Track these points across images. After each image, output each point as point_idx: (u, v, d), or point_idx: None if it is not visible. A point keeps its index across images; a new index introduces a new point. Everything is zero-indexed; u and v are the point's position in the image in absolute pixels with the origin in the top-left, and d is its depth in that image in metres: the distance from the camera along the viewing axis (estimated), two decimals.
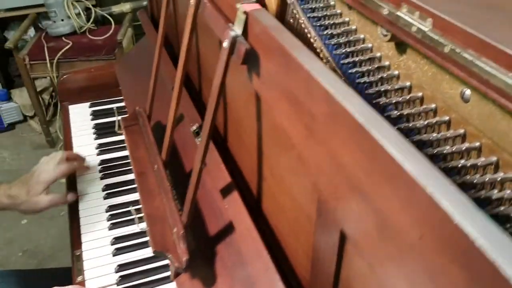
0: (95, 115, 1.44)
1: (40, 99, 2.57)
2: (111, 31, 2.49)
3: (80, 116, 1.44)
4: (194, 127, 0.96)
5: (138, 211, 0.95)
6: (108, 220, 1.08)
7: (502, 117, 0.50)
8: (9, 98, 2.76)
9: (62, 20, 2.45)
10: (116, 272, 0.96)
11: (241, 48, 0.63)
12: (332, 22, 0.82)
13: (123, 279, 0.94)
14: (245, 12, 0.63)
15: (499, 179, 0.53)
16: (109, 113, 1.43)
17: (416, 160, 0.39)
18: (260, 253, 0.69)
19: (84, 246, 1.02)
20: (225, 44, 0.64)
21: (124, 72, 1.46)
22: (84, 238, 1.04)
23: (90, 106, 1.48)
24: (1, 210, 1.08)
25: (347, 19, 0.80)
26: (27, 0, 2.55)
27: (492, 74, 0.44)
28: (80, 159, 1.18)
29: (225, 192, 0.81)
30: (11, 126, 2.78)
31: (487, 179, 0.56)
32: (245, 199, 0.84)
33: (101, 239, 1.04)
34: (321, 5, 0.86)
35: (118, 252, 1.00)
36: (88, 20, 2.50)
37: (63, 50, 2.34)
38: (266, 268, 0.67)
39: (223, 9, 0.74)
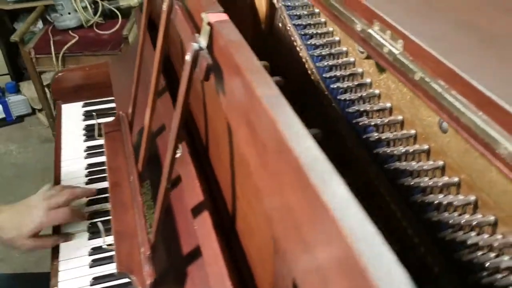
0: (87, 115, 1.40)
1: (48, 92, 2.56)
2: (118, 25, 2.46)
3: (72, 116, 1.40)
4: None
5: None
6: (88, 229, 1.04)
7: (478, 156, 0.43)
8: (17, 91, 2.76)
9: (69, 13, 2.43)
10: (91, 285, 0.93)
11: (202, 62, 0.57)
12: (316, 31, 0.76)
13: None
14: (209, 23, 0.58)
15: (475, 222, 0.47)
16: (101, 114, 1.39)
17: (356, 220, 0.33)
18: (224, 283, 0.64)
19: (61, 256, 0.99)
20: (187, 57, 0.59)
21: (118, 72, 1.42)
22: (62, 245, 1.01)
23: (83, 106, 1.45)
24: None
25: (331, 28, 0.74)
26: None
27: (461, 112, 0.38)
28: (85, 195, 1.08)
29: (196, 211, 0.76)
30: (20, 118, 2.78)
31: (464, 220, 0.50)
32: (221, 217, 0.79)
33: (79, 249, 1.00)
34: (306, 12, 0.80)
35: (94, 264, 0.96)
36: (95, 14, 2.47)
37: (68, 44, 2.32)
38: None
39: (194, 17, 0.68)
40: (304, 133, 0.39)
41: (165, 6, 0.72)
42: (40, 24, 2.69)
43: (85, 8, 2.44)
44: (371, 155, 0.65)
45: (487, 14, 0.45)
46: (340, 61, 0.67)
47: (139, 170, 0.87)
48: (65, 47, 2.30)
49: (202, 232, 0.72)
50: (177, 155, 0.89)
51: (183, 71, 0.61)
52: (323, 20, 0.75)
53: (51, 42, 2.33)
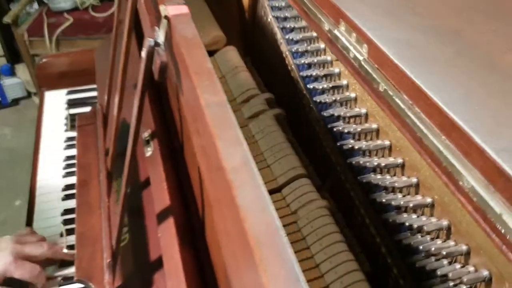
0: (71, 104, 1.35)
1: None
2: (114, 8, 2.39)
3: (55, 104, 1.35)
4: (146, 134, 0.86)
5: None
6: (64, 225, 1.00)
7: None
8: (13, 73, 2.71)
9: None
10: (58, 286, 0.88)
11: (157, 60, 0.52)
12: (294, 25, 0.70)
13: None
14: (166, 17, 0.52)
15: (444, 253, 0.42)
16: (85, 103, 1.34)
17: None
18: None
19: None
20: (143, 53, 0.54)
21: (103, 58, 1.37)
22: None
23: (67, 94, 1.40)
24: None
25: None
26: None
27: (424, 133, 0.32)
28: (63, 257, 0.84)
29: (161, 217, 0.71)
30: (15, 102, 2.74)
31: (435, 247, 0.44)
32: (192, 223, 0.74)
33: None
34: (284, 4, 0.74)
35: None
36: None
37: (62, 27, 2.26)
38: None
39: (159, 6, 0.62)
40: (240, 151, 0.33)
41: None
42: (36, 6, 2.62)
43: None
44: (346, 164, 0.60)
45: (470, 20, 0.39)
46: (316, 59, 0.61)
47: (108, 168, 0.82)
48: (59, 30, 2.24)
49: (165, 240, 0.67)
50: (148, 154, 0.84)
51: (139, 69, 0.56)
52: None
53: (45, 24, 2.27)
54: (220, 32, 0.83)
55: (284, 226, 0.56)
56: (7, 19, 2.21)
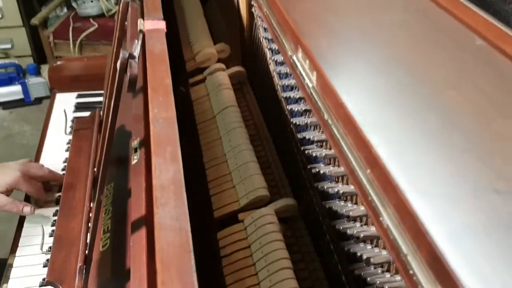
0: (78, 107, 1.38)
1: None
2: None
3: (63, 106, 1.39)
4: (135, 142, 0.87)
5: None
6: (52, 225, 1.01)
7: None
8: (38, 73, 2.79)
9: (92, 1, 2.43)
10: (40, 286, 0.90)
11: (130, 72, 0.53)
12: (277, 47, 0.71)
13: None
14: (141, 30, 0.53)
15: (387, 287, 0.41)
16: (92, 107, 1.37)
17: None
18: None
19: (19, 251, 0.97)
20: (118, 64, 0.55)
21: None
22: (22, 241, 0.98)
23: (77, 97, 1.43)
24: None
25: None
26: None
27: (353, 164, 0.32)
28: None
29: (135, 226, 0.71)
30: (38, 100, 2.81)
31: (379, 282, 0.43)
32: None
33: (38, 246, 0.98)
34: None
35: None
36: (117, 4, 2.47)
37: (86, 32, 2.32)
38: None
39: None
40: (173, 170, 0.34)
41: (120, 6, 0.68)
42: (65, 9, 2.71)
43: None
44: (315, 188, 0.60)
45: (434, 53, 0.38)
46: (293, 81, 0.61)
47: (94, 173, 0.83)
48: (83, 34, 2.31)
49: (133, 251, 0.68)
50: (133, 162, 0.85)
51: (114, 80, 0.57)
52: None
53: (70, 28, 2.34)
54: (213, 49, 0.84)
55: (238, 250, 0.55)
56: (34, 20, 2.29)
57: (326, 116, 0.36)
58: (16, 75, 2.71)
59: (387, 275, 0.45)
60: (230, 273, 0.58)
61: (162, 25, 0.54)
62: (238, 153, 0.60)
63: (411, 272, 0.29)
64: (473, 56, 0.40)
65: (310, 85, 0.39)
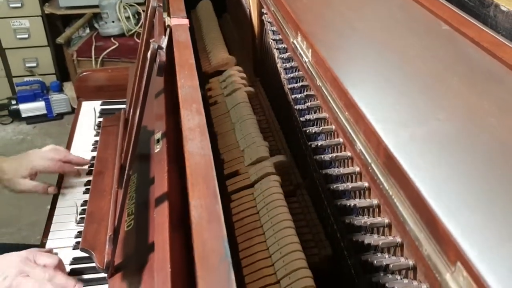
0: (103, 113, 1.50)
1: None
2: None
3: (89, 113, 1.50)
4: (158, 134, 0.98)
5: None
6: (80, 214, 1.12)
7: None
8: (61, 90, 2.94)
9: (113, 22, 2.59)
10: (69, 264, 0.99)
11: (158, 60, 0.64)
12: (285, 45, 0.81)
13: (72, 273, 0.97)
14: (168, 26, 0.64)
15: None
16: (115, 113, 1.48)
17: None
18: (164, 267, 0.69)
19: (50, 235, 1.07)
20: (148, 54, 0.66)
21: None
22: (53, 227, 1.09)
23: (101, 105, 1.55)
24: None
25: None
26: (86, 0, 2.72)
27: (333, 107, 0.41)
28: (78, 163, 1.23)
29: (159, 201, 0.81)
30: (60, 116, 2.96)
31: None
32: (187, 215, 0.84)
33: (67, 231, 1.08)
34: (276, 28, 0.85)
35: (78, 246, 1.03)
36: (137, 24, 2.62)
37: (108, 50, 2.47)
38: (163, 282, 0.67)
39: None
40: (198, 118, 0.44)
41: (148, 11, 0.79)
42: (88, 30, 2.87)
43: (128, 18, 2.60)
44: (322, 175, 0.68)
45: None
46: (296, 74, 0.72)
47: (120, 161, 0.94)
48: (105, 52, 2.45)
49: (157, 220, 0.77)
50: (156, 151, 0.95)
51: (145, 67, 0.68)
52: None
53: (93, 47, 2.49)
54: (228, 54, 0.95)
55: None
56: (60, 39, 2.44)
57: (318, 82, 0.46)
58: (40, 92, 2.87)
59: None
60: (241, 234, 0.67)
61: (185, 21, 0.65)
62: (248, 135, 0.71)
63: (376, 179, 0.38)
64: (437, 36, 0.50)
65: (307, 60, 0.49)
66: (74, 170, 1.21)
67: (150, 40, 0.65)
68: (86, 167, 1.26)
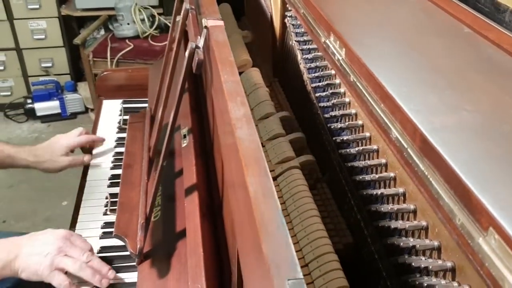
0: (124, 111, 1.55)
1: None
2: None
3: (111, 111, 1.56)
4: (184, 130, 1.03)
5: None
6: (105, 206, 1.17)
7: None
8: (75, 90, 3.01)
9: (128, 24, 2.65)
10: (97, 253, 1.04)
11: (196, 58, 0.69)
12: (309, 47, 0.86)
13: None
14: (205, 27, 0.70)
15: None
16: (137, 111, 1.54)
17: None
18: (196, 251, 0.74)
19: (78, 225, 1.12)
20: (186, 53, 0.71)
21: (156, 75, 1.57)
22: (80, 218, 1.14)
23: (122, 103, 1.60)
24: (25, 168, 1.26)
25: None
26: (102, 2, 2.78)
27: (368, 99, 0.46)
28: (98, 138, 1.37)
29: (188, 191, 0.86)
30: (73, 115, 3.02)
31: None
32: (213, 201, 0.89)
33: (94, 221, 1.13)
34: (303, 30, 0.90)
35: (104, 235, 1.08)
36: (151, 27, 2.68)
37: (123, 51, 2.53)
38: (196, 265, 0.71)
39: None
40: (243, 109, 0.49)
41: (181, 13, 0.85)
42: (102, 32, 2.93)
43: (143, 20, 2.66)
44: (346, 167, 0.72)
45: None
46: (319, 73, 0.77)
47: (149, 155, 0.99)
48: (120, 53, 2.51)
49: (188, 208, 0.82)
50: (183, 145, 1.00)
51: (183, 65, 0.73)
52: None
53: (108, 48, 2.55)
54: (248, 56, 1.00)
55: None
56: (77, 40, 2.50)
57: (352, 78, 0.51)
58: (55, 91, 2.93)
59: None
60: None
61: (221, 22, 0.71)
62: (271, 131, 0.76)
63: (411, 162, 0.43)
64: (460, 38, 0.55)
65: (340, 58, 0.54)
66: (101, 138, 1.37)
67: (193, 40, 0.70)
68: (110, 162, 1.32)
